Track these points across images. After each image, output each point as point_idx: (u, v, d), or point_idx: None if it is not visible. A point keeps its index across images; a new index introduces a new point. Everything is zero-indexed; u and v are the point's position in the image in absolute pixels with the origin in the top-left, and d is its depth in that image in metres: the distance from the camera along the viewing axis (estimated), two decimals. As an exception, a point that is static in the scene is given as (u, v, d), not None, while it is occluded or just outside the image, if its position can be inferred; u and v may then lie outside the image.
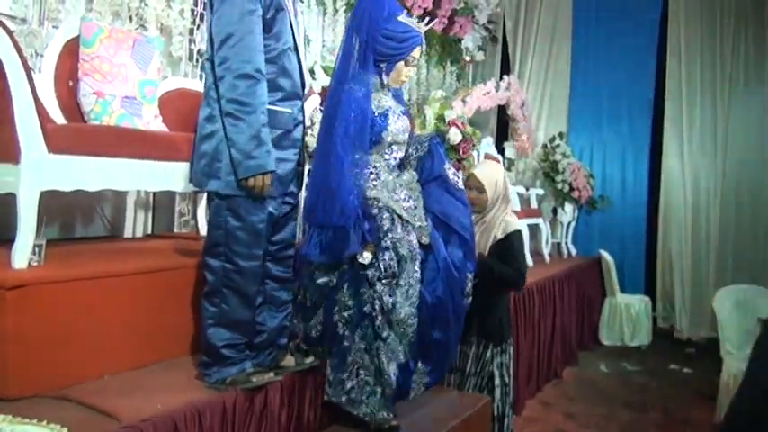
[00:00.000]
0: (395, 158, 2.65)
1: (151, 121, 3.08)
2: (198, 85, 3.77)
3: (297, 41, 2.40)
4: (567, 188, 6.77)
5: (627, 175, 7.46)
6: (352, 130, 2.44)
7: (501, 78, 6.62)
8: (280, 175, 2.33)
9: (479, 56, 7.36)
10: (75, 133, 2.56)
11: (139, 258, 2.78)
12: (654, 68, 7.29)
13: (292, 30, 2.38)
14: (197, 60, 3.97)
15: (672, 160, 7.11)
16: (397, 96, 2.73)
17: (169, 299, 2.60)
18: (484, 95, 5.86)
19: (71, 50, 2.99)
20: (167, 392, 2.19)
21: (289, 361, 2.59)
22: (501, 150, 6.91)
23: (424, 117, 5.10)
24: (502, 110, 7.05)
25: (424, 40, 2.58)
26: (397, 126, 2.59)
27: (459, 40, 7.05)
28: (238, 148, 2.19)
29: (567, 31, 7.68)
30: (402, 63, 2.57)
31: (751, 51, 6.89)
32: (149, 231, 3.88)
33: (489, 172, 3.20)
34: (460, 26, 6.81)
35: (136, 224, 3.84)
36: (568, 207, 6.95)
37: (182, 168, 2.84)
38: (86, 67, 2.92)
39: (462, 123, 3.29)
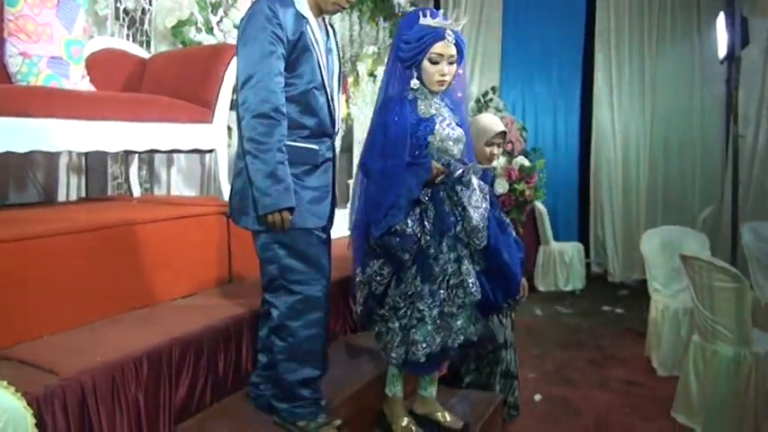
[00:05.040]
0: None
1: (79, 81, 3.05)
2: (125, 45, 3.74)
3: (325, 80, 2.34)
4: (500, 141, 6.88)
5: (558, 127, 7.66)
6: (393, 133, 2.46)
7: (433, 34, 6.64)
8: (312, 209, 2.32)
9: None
10: (2, 95, 2.53)
11: (73, 219, 2.76)
12: (583, 21, 7.46)
13: (320, 69, 2.31)
14: (123, 19, 3.92)
15: (602, 110, 7.31)
16: (455, 108, 2.69)
17: (104, 258, 2.59)
18: (416, 51, 5.90)
19: (-3, 10, 2.93)
20: (106, 348, 2.21)
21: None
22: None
23: (357, 74, 5.14)
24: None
25: (450, 34, 2.50)
26: (445, 132, 2.53)
27: (392, -4, 7.04)
28: (256, 186, 2.18)
29: (499, -16, 7.72)
30: (427, 62, 2.51)
31: (678, 1, 7.07)
32: (83, 195, 3.86)
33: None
34: (392, -18, 6.80)
35: (69, 188, 3.81)
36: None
37: (111, 127, 2.83)
38: (12, 27, 2.88)
39: (519, 174, 3.02)
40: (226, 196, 3.41)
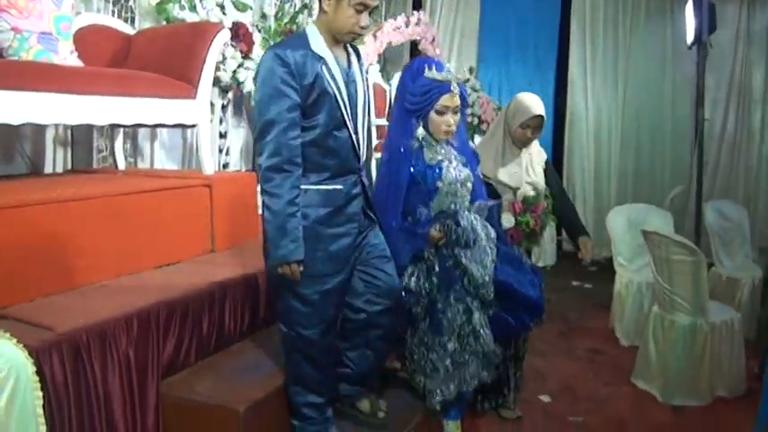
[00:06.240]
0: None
1: (68, 56, 3.14)
2: (111, 22, 3.83)
3: (346, 116, 2.35)
4: (476, 121, 7.05)
5: (533, 107, 7.76)
6: (392, 188, 2.66)
7: (412, 14, 6.77)
8: (332, 252, 2.38)
9: (391, -9, 7.45)
10: (-5, 68, 2.63)
11: (63, 190, 2.83)
12: (560, 3, 7.53)
13: (340, 107, 2.33)
14: (109, -4, 4.01)
15: (576, 92, 7.43)
16: (460, 148, 2.81)
17: (92, 226, 2.71)
18: (394, 31, 6.03)
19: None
20: (97, 308, 2.33)
21: (364, 405, 2.73)
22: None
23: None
24: (415, 45, 7.21)
25: (455, 87, 2.62)
26: (452, 176, 2.67)
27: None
28: (268, 237, 2.30)
29: (477, -34, 7.80)
30: (434, 114, 2.63)
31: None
32: (69, 167, 3.96)
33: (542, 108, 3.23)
34: (372, -38, 6.87)
35: (56, 160, 3.90)
36: (478, 139, 7.22)
37: (100, 102, 2.94)
38: (3, 3, 2.94)
39: (524, 207, 3.08)
40: (207, 170, 3.54)
